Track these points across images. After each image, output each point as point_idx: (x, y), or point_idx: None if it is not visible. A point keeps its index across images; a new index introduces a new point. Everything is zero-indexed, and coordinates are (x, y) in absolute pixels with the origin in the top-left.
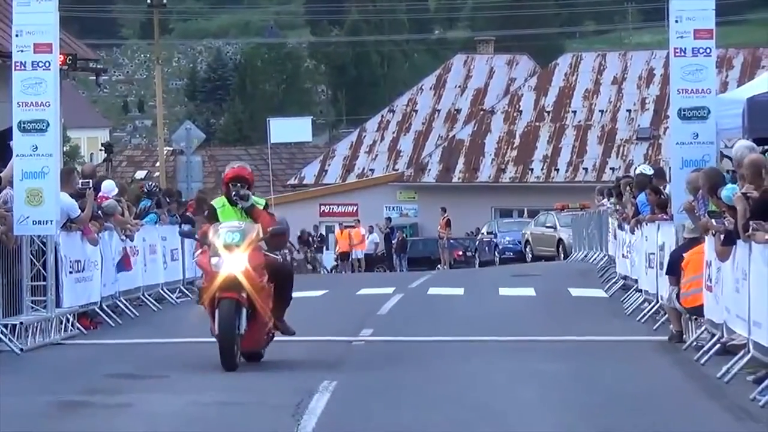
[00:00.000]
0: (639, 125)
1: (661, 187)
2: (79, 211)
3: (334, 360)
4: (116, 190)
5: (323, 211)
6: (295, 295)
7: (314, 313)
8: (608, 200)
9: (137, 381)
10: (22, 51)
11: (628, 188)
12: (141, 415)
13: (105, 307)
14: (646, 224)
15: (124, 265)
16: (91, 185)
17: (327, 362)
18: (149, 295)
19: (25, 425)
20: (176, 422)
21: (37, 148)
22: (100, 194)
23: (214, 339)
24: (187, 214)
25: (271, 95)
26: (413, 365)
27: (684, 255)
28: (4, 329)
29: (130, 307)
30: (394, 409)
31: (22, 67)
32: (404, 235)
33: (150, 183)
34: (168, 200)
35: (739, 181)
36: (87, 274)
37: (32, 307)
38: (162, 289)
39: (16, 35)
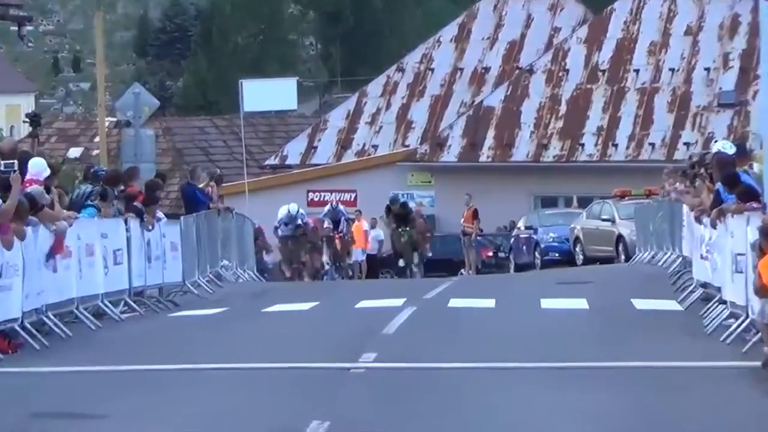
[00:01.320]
0: (720, 88)
1: (746, 168)
2: None
3: (326, 394)
4: (48, 171)
5: (312, 199)
6: (277, 308)
7: (301, 333)
8: (680, 185)
9: (71, 422)
10: None
11: (702, 171)
12: None
13: (28, 325)
14: (732, 216)
15: (54, 250)
16: (15, 168)
17: (317, 397)
18: (85, 309)
19: None
20: None
21: None
22: (27, 177)
23: (172, 365)
24: (136, 204)
25: (244, 50)
26: (427, 400)
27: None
28: None
29: (60, 324)
30: None
31: None
32: None
33: (99, 167)
34: (116, 193)
35: None
36: (4, 282)
37: None
38: (102, 302)
39: None
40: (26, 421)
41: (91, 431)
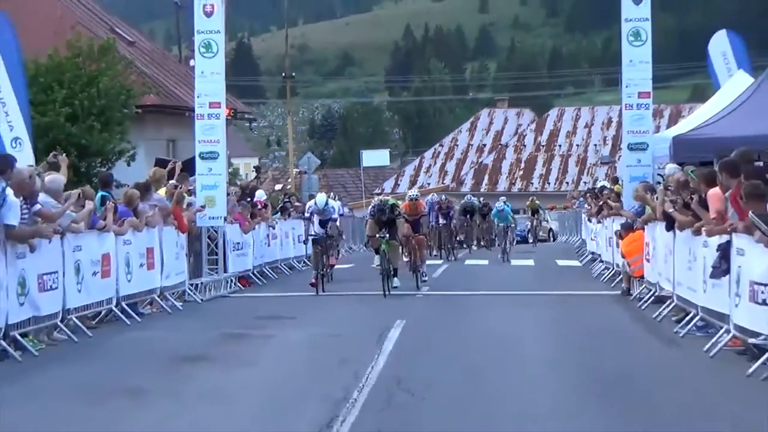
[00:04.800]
0: (602, 154)
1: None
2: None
3: (404, 306)
4: (266, 196)
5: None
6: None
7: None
8: (579, 202)
9: (277, 320)
10: (201, 107)
11: (590, 194)
12: (279, 342)
13: (255, 273)
14: (606, 218)
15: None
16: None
17: (398, 308)
18: (284, 264)
19: (204, 349)
20: (301, 346)
21: (211, 170)
22: (256, 199)
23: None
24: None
25: (363, 135)
26: (456, 310)
27: (620, 242)
28: (191, 286)
29: (271, 272)
30: (446, 337)
31: (201, 117)
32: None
33: (288, 195)
34: (292, 207)
35: (665, 190)
36: (244, 251)
37: (209, 272)
38: (292, 261)
39: (197, 96)
40: (254, 320)
41: (287, 325)
